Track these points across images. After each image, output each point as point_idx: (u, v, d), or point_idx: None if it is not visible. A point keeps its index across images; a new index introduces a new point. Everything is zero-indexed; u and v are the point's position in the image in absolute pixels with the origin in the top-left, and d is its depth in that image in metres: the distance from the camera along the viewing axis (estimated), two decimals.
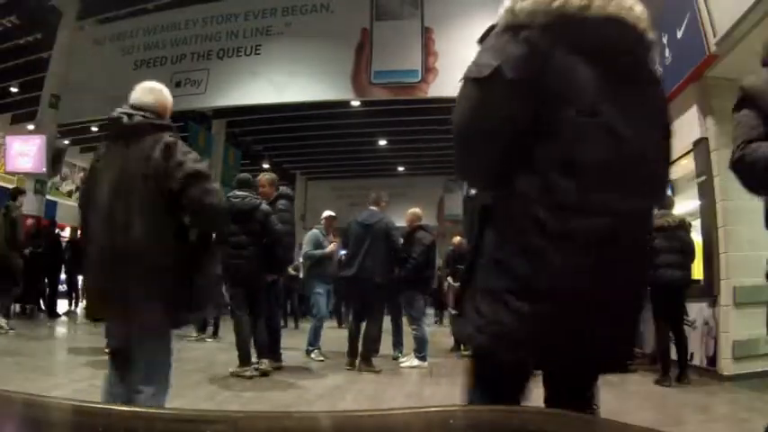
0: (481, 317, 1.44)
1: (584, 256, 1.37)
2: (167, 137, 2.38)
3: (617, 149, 1.38)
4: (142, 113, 2.43)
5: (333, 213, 7.37)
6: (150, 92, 2.55)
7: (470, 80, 1.44)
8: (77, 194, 18.68)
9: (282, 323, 13.04)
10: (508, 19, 1.43)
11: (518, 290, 1.39)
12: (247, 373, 5.10)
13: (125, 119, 2.40)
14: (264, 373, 5.21)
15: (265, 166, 20.40)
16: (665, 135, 1.54)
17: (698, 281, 6.01)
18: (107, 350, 2.62)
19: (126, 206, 2.29)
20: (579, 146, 1.38)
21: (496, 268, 1.44)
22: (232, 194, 5.24)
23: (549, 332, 1.38)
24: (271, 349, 5.59)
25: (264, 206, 5.28)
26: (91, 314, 2.59)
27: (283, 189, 6.06)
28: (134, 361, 2.37)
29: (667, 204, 5.70)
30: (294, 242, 5.99)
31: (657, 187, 1.59)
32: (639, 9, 1.47)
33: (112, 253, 2.31)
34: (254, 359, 5.25)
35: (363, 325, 6.06)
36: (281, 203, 5.72)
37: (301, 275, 9.47)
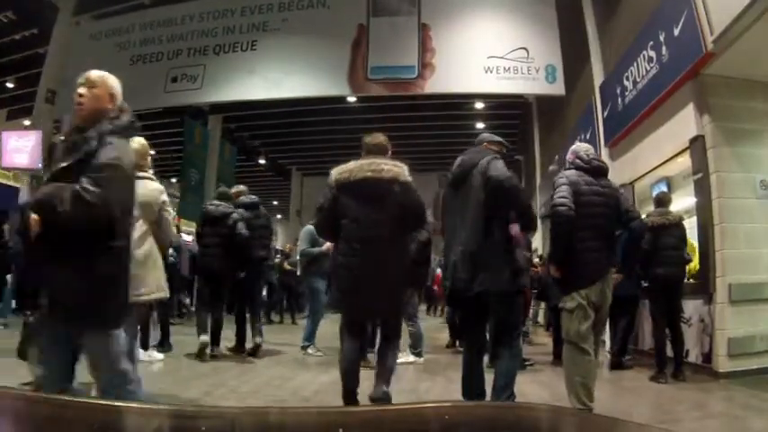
0: (332, 295, 3.86)
1: (353, 273, 3.48)
2: None
3: (360, 231, 3.45)
4: None
5: None
6: None
7: (316, 207, 3.66)
8: None
9: (278, 319, 13.12)
10: (329, 182, 3.56)
11: (338, 285, 3.68)
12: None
13: None
14: (215, 355, 6.09)
15: (261, 161, 20.39)
16: (399, 213, 3.53)
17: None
18: None
19: None
20: (348, 232, 3.50)
21: (333, 276, 3.85)
22: (210, 203, 6.36)
23: (349, 301, 3.59)
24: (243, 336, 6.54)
25: (235, 215, 6.11)
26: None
27: (242, 198, 6.54)
28: None
29: (665, 202, 5.73)
30: (255, 243, 6.29)
31: (382, 237, 3.47)
32: (385, 168, 3.49)
33: None
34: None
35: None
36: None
37: (299, 272, 9.44)
